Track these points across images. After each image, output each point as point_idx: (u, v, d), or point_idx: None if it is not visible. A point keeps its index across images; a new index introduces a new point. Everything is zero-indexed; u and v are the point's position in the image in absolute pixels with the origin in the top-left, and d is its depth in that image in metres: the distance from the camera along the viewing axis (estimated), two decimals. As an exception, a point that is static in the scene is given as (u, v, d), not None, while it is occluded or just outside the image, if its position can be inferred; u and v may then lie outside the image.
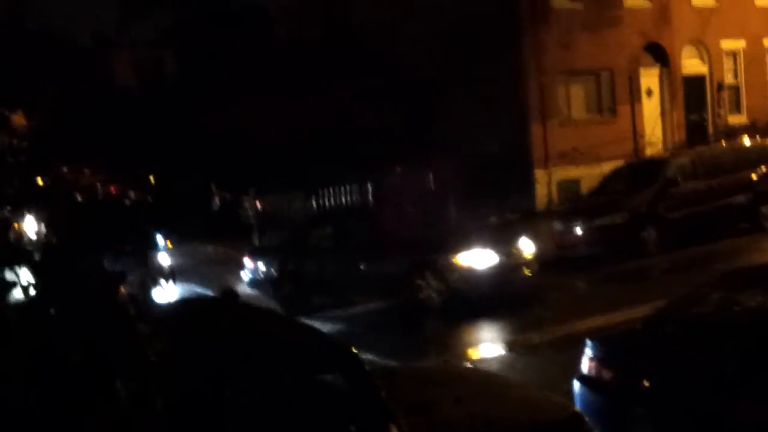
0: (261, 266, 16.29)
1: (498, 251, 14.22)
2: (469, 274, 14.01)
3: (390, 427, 4.49)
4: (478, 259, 14.06)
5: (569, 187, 23.93)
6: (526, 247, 14.88)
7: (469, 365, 7.70)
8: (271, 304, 15.07)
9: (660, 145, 25.94)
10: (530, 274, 14.64)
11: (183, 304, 6.24)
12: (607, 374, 7.39)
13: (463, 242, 14.61)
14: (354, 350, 4.86)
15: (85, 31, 49.26)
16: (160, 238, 17.78)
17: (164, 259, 16.80)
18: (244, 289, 16.08)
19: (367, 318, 14.34)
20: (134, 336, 3.49)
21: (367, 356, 11.34)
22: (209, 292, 15.24)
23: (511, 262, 14.37)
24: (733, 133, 24.68)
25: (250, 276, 16.30)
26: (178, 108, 37.64)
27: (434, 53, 24.98)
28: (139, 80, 46.63)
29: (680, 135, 26.32)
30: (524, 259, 14.69)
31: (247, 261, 16.47)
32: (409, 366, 8.47)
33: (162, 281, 15.21)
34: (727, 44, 27.63)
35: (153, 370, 3.46)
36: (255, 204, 21.04)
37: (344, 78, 28.17)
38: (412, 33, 25.35)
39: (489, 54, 23.86)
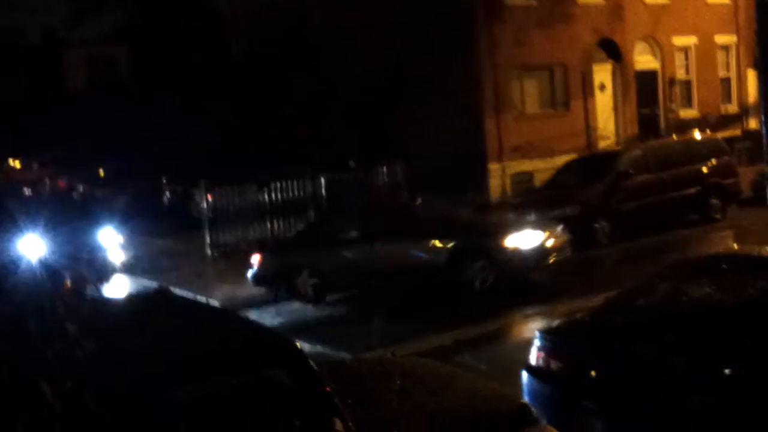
0: (273, 261, 15.79)
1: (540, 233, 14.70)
2: (516, 255, 14.33)
3: (334, 421, 4.45)
4: (525, 240, 14.43)
5: (523, 180, 24.08)
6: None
7: (416, 357, 7.66)
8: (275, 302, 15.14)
9: (613, 139, 26.19)
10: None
11: (125, 299, 6.12)
12: (554, 365, 7.41)
13: (513, 226, 15.01)
14: (297, 344, 4.82)
15: (35, 27, 48.78)
16: (111, 233, 17.54)
17: (115, 254, 16.56)
18: (245, 288, 15.86)
19: (405, 305, 14.15)
20: (62, 334, 3.40)
21: (318, 348, 11.43)
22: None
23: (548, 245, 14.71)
24: (685, 127, 24.99)
25: (256, 272, 15.66)
26: (131, 105, 37.36)
27: (390, 53, 25.01)
28: (91, 77, 46.19)
29: (633, 129, 26.59)
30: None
31: (255, 257, 15.87)
32: (357, 359, 8.46)
33: (109, 276, 14.97)
34: (679, 40, 27.95)
35: (81, 369, 3.39)
36: (206, 197, 20.72)
37: (301, 82, 28.12)
38: (368, 35, 25.36)
39: (444, 51, 23.93)
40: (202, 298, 14.44)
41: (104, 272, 15.26)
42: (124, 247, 18.11)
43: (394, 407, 5.23)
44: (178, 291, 9.89)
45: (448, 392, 5.69)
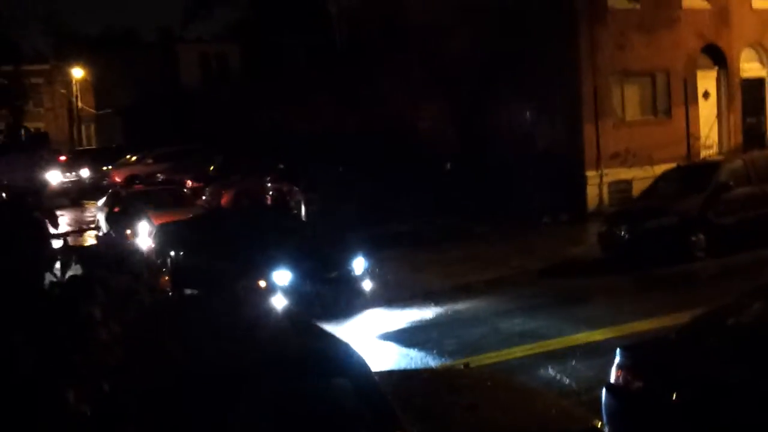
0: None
1: None
2: None
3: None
4: None
5: (621, 189, 23.61)
6: None
7: (490, 371, 7.54)
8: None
9: (715, 149, 25.44)
10: None
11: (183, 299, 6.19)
12: (635, 384, 7.19)
13: None
14: (361, 356, 4.78)
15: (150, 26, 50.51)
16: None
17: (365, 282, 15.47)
18: None
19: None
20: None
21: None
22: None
23: None
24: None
25: None
26: (241, 100, 38.17)
27: (487, 51, 24.87)
28: (204, 73, 47.34)
29: (737, 139, 25.78)
30: None
31: None
32: (430, 370, 8.36)
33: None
34: (789, 47, 26.99)
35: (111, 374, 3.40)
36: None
37: (400, 78, 28.20)
38: (467, 31, 25.27)
39: (543, 52, 23.68)
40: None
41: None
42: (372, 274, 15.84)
43: (461, 422, 5.15)
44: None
45: (519, 409, 5.57)
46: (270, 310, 5.41)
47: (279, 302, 13.71)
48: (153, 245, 17.92)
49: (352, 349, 4.73)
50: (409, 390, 5.41)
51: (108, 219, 23.59)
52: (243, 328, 4.81)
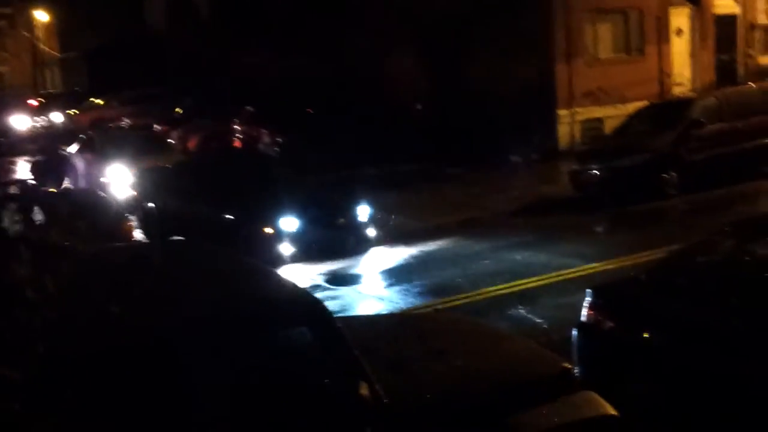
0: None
1: None
2: None
3: (360, 386, 4.25)
4: None
5: (593, 128, 23.50)
6: None
7: (461, 314, 7.43)
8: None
9: (688, 86, 25.32)
10: None
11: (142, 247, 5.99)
12: (606, 324, 7.11)
13: None
14: (321, 302, 4.62)
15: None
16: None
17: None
18: None
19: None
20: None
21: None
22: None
23: None
24: (764, 74, 24.06)
25: None
26: (209, 48, 37.60)
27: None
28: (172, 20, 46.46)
29: (710, 76, 25.66)
30: None
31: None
32: (399, 314, 8.25)
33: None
34: (761, -17, 26.80)
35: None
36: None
37: (372, 24, 27.77)
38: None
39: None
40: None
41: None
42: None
43: (429, 369, 5.01)
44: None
45: (488, 354, 5.45)
46: (225, 257, 5.19)
47: (285, 249, 13.77)
48: (134, 193, 17.57)
49: (311, 295, 4.57)
50: (375, 337, 5.25)
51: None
52: (199, 280, 4.62)
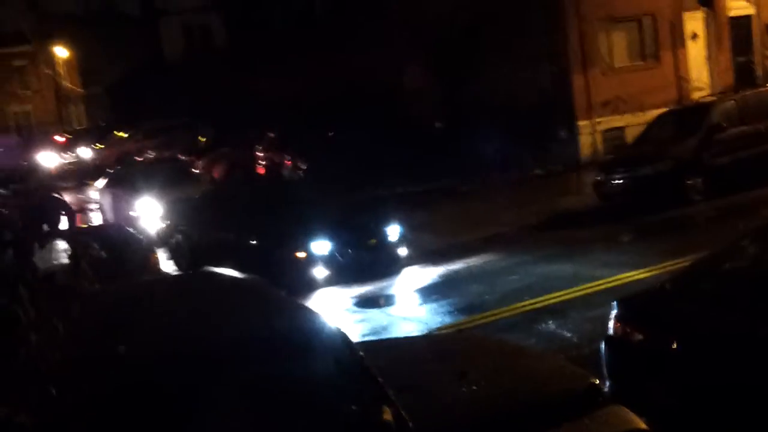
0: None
1: None
2: None
3: (383, 410, 4.23)
4: None
5: (614, 137, 23.41)
6: None
7: (482, 335, 7.37)
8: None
9: (707, 90, 25.15)
10: None
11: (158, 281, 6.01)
12: (633, 336, 7.04)
13: None
14: (344, 332, 4.60)
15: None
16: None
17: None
18: None
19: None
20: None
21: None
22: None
23: None
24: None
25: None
26: (226, 71, 37.88)
27: (470, 4, 24.54)
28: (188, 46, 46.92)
29: (728, 78, 25.49)
30: None
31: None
32: (420, 337, 8.20)
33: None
34: (775, -17, 26.61)
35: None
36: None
37: (383, 41, 27.87)
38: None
39: (526, 3, 23.34)
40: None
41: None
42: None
43: (451, 392, 4.97)
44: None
45: (512, 373, 5.40)
46: (248, 289, 5.19)
47: (318, 272, 13.82)
48: (163, 224, 17.70)
49: (332, 325, 4.55)
50: (398, 360, 5.23)
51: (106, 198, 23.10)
52: (215, 312, 4.63)
